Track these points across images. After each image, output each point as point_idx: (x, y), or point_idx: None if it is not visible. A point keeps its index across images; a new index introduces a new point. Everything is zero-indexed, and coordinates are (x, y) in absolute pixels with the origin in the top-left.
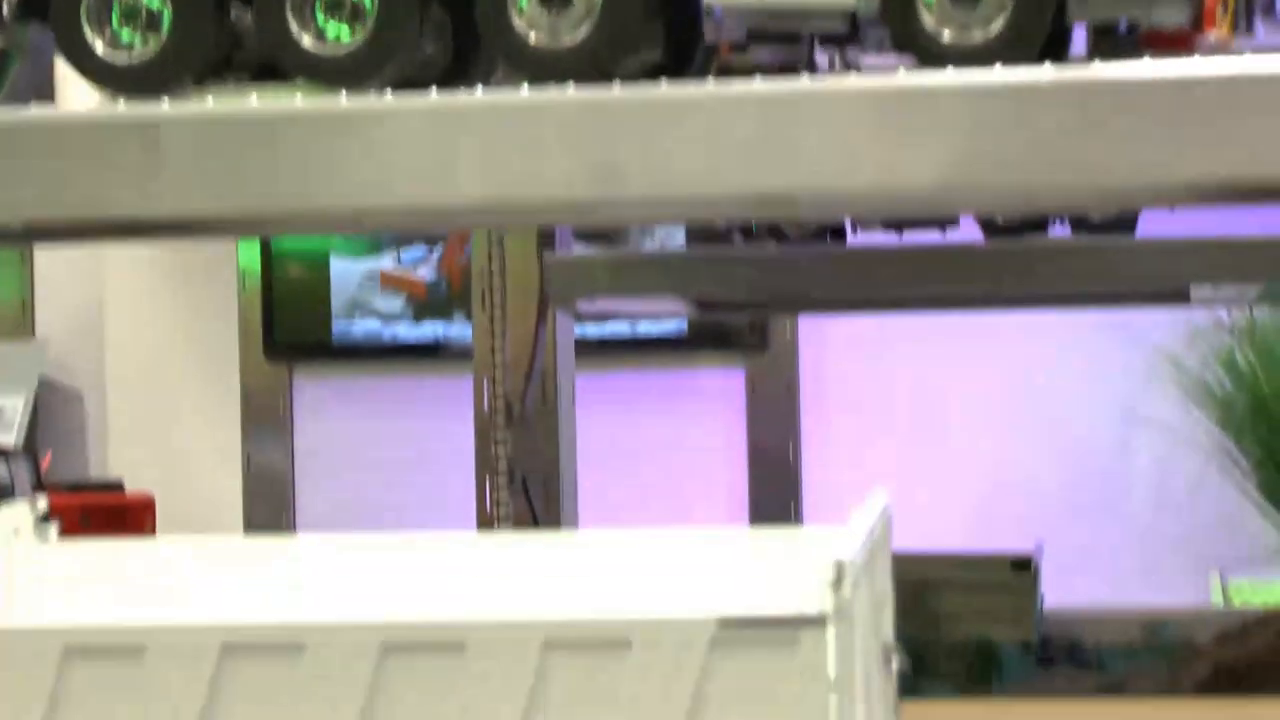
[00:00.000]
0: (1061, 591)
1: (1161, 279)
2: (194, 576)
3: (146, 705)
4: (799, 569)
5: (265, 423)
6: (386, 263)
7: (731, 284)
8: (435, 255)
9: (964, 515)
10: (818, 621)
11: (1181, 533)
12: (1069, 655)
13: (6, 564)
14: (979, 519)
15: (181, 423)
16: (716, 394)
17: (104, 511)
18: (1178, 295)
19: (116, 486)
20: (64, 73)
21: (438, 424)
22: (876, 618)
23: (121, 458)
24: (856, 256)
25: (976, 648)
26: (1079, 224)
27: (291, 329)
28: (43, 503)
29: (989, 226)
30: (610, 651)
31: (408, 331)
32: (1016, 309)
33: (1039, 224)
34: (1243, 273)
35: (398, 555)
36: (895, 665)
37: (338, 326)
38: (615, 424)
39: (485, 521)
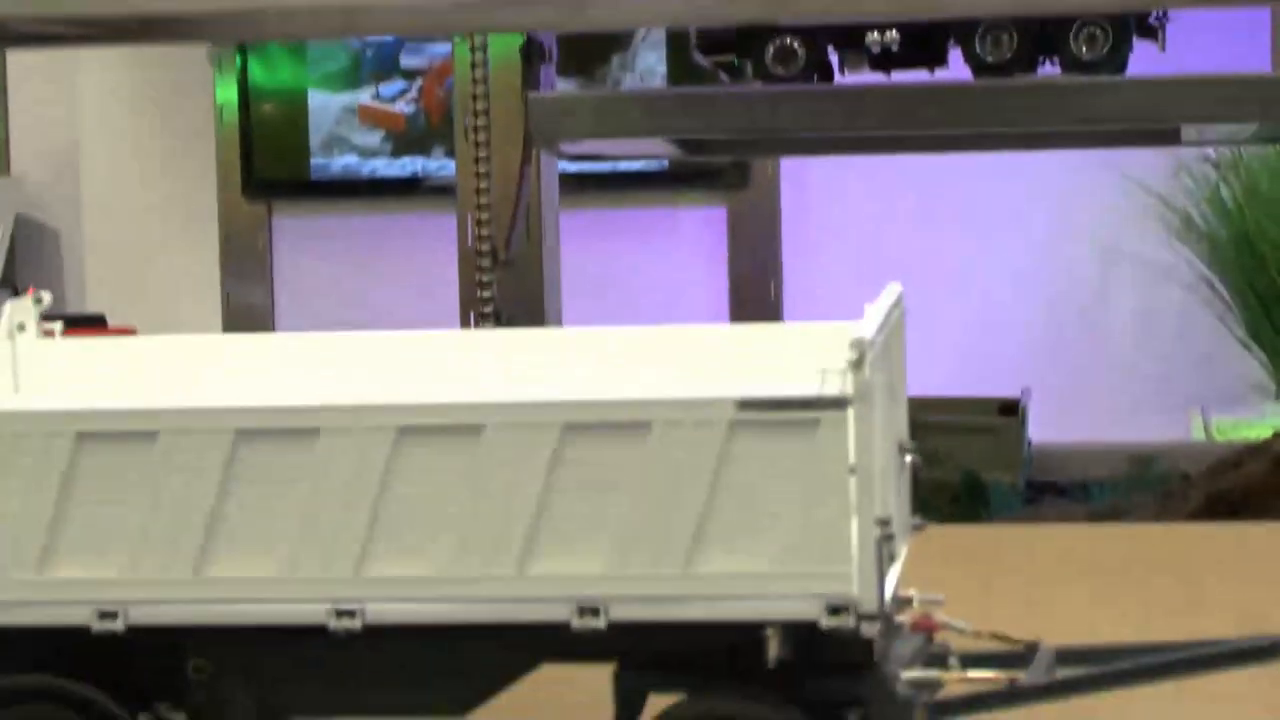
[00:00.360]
0: (1045, 429)
1: (1152, 119)
2: (198, 369)
3: (159, 489)
4: (817, 356)
5: (244, 260)
6: (365, 97)
7: (716, 124)
8: (414, 89)
9: (947, 355)
10: (839, 403)
11: (1163, 371)
12: (1058, 490)
13: (12, 357)
14: (962, 358)
15: (160, 260)
16: (698, 231)
17: None
18: (1169, 136)
19: (99, 320)
20: None
21: (418, 260)
22: (892, 408)
23: (99, 295)
24: (843, 95)
25: (965, 483)
26: (1069, 63)
27: (269, 165)
28: (47, 297)
29: (979, 66)
30: (629, 434)
31: (386, 167)
32: (1005, 150)
33: (1029, 63)
34: (1234, 112)
35: (401, 350)
36: (910, 460)
37: (316, 162)
38: (596, 261)
39: None
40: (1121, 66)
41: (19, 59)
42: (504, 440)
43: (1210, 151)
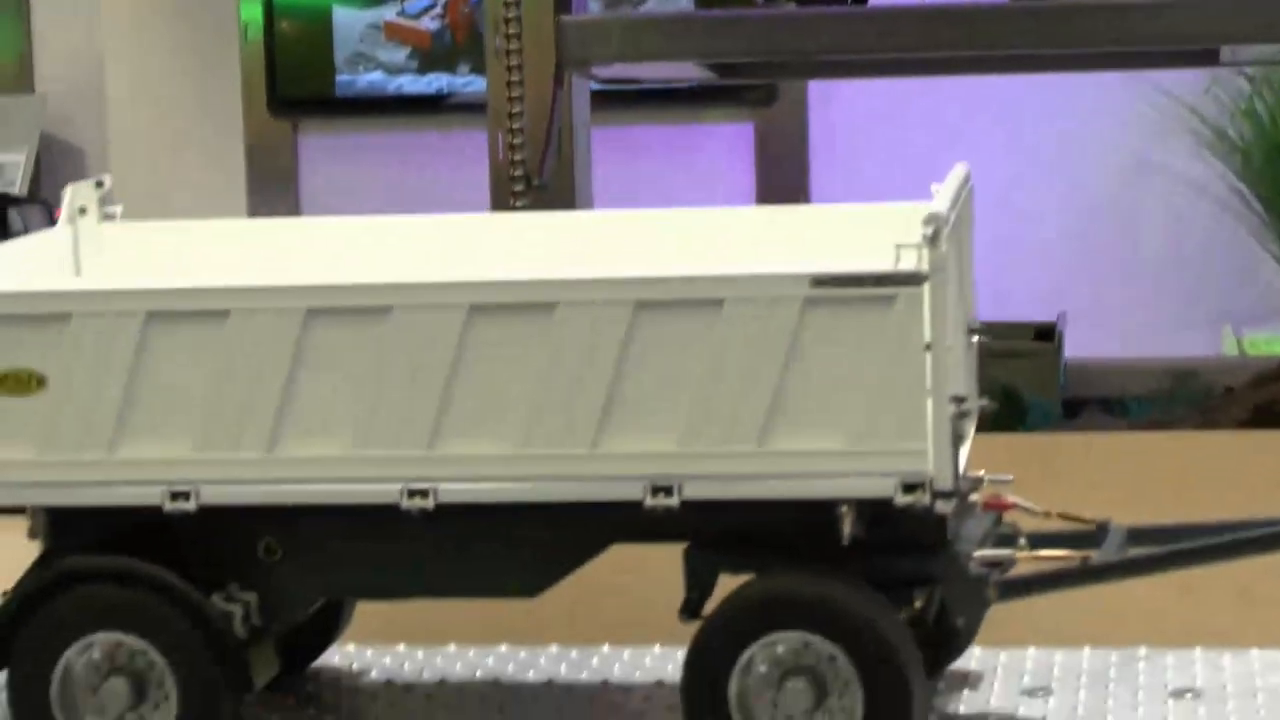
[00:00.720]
0: (1079, 346)
1: (1189, 40)
2: (260, 251)
3: (230, 368)
4: (888, 235)
5: (270, 178)
6: (390, 14)
7: (747, 46)
8: (439, 5)
9: (980, 273)
10: (914, 279)
11: (1195, 286)
12: (1097, 406)
13: (74, 241)
14: (995, 274)
15: (185, 178)
16: (725, 147)
17: None
18: (1205, 57)
19: None
20: None
21: (445, 179)
22: (962, 287)
23: (124, 214)
24: (876, 17)
25: (1003, 396)
26: None
27: (294, 83)
28: (108, 181)
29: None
30: (703, 311)
31: (412, 84)
32: (1038, 72)
33: None
34: (1273, 33)
35: (471, 231)
36: (976, 340)
37: (341, 79)
38: (623, 178)
39: None
40: None
41: None
42: (576, 318)
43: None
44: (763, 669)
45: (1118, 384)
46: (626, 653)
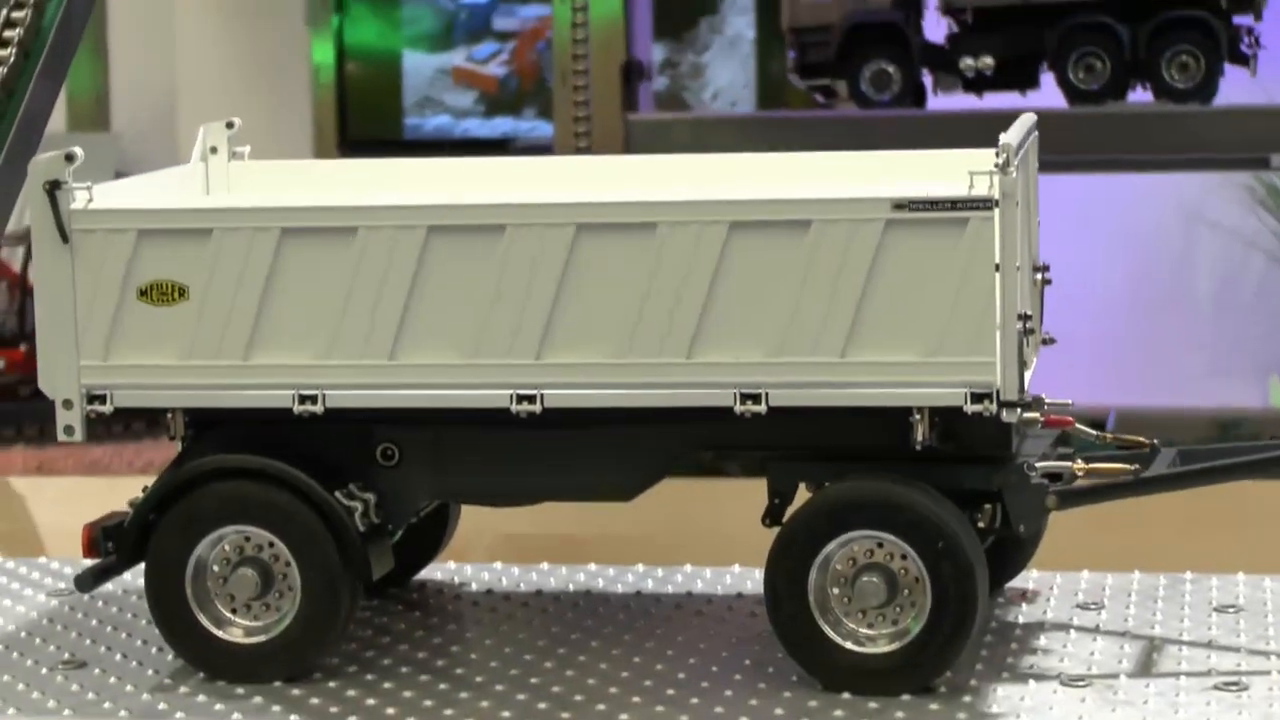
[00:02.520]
0: (1128, 394)
1: (1243, 149)
2: (381, 185)
3: (357, 281)
4: (963, 169)
5: None
6: (458, 58)
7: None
8: (507, 52)
9: None
10: (986, 203)
11: (1243, 337)
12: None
13: (205, 178)
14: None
15: None
16: None
17: None
18: (1258, 162)
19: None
20: None
21: None
22: (1030, 225)
23: None
24: (935, 119)
25: None
26: (1161, 90)
27: (364, 124)
28: (239, 123)
29: (1071, 92)
30: (791, 232)
31: (479, 127)
32: (1095, 173)
33: (1120, 89)
34: None
35: (578, 169)
36: (1042, 279)
37: (410, 122)
38: None
39: None
40: (1212, 93)
41: (119, 18)
42: (675, 237)
43: None
44: (839, 566)
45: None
46: (708, 571)
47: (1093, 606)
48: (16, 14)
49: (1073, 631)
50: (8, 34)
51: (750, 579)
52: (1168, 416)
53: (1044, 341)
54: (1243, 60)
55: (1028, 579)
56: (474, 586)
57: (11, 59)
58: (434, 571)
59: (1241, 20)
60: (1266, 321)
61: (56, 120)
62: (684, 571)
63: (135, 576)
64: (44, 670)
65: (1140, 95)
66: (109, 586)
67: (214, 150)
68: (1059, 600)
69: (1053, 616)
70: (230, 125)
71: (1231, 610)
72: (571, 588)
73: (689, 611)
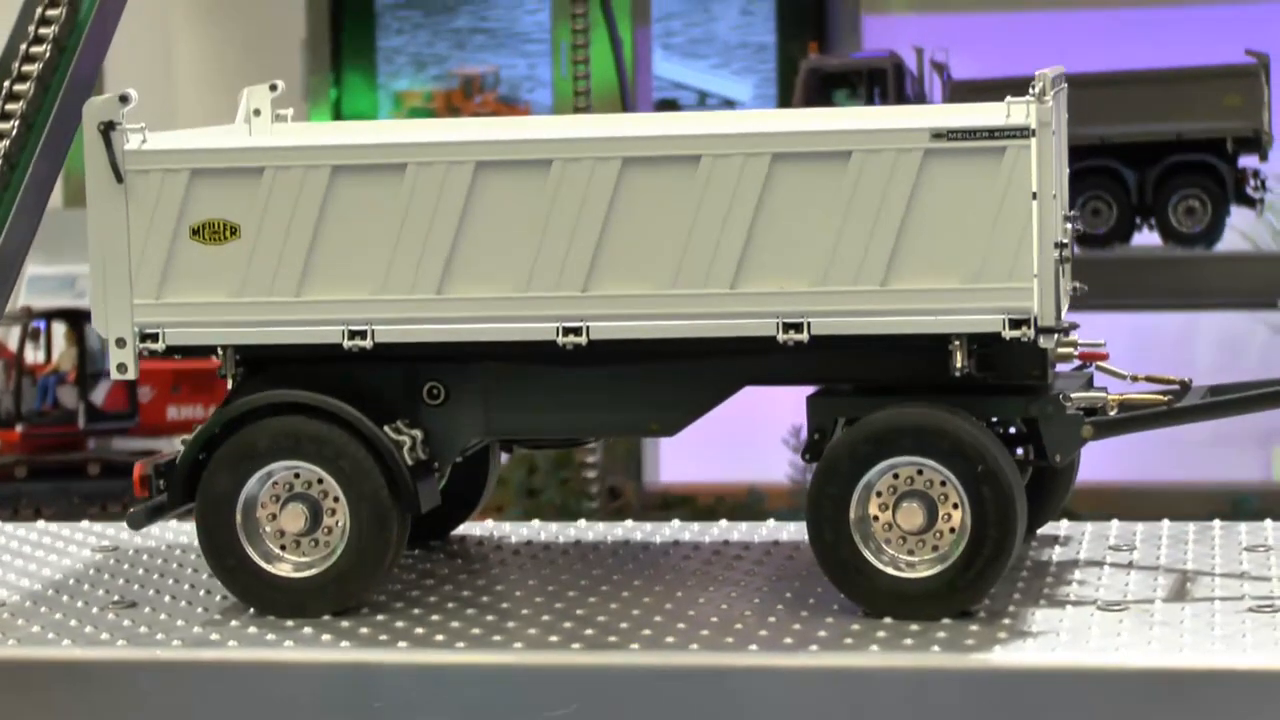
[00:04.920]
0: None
1: (1248, 293)
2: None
3: (406, 216)
4: (999, 111)
5: None
6: None
7: None
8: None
9: None
10: (1023, 131)
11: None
12: None
13: (249, 135)
14: None
15: None
16: None
17: (195, 376)
18: (1264, 304)
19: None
20: None
21: None
22: (1060, 171)
23: None
24: None
25: None
26: (1167, 233)
27: None
28: (281, 85)
29: (1077, 235)
30: (832, 163)
31: None
32: (1099, 313)
33: (1126, 233)
34: None
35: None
36: (1072, 227)
37: None
38: None
39: None
40: (1218, 236)
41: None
42: (719, 169)
43: None
44: (881, 492)
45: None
46: (744, 525)
47: (1125, 548)
48: (20, 86)
49: (1107, 567)
50: (10, 107)
51: (785, 531)
52: (1173, 492)
53: (1073, 291)
54: (1249, 203)
55: (1058, 528)
56: (513, 539)
57: (14, 132)
58: (472, 529)
59: (1248, 161)
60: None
61: (54, 197)
62: (719, 525)
63: (176, 532)
64: (95, 610)
65: (1147, 237)
66: (153, 538)
67: (257, 113)
68: (1091, 543)
69: (1086, 556)
70: (274, 88)
71: (1262, 549)
72: (610, 539)
73: (727, 556)
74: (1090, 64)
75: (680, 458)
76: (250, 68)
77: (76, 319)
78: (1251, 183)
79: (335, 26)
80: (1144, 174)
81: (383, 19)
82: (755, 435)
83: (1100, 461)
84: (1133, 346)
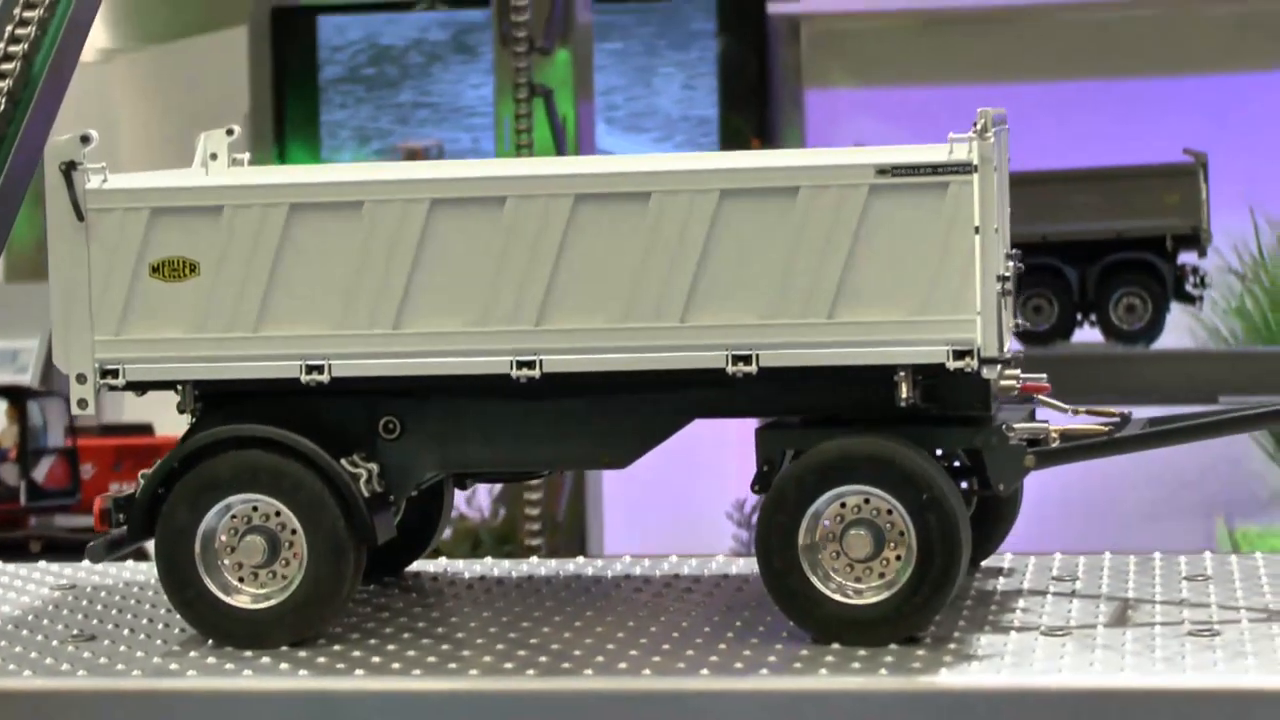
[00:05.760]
0: (1067, 538)
1: (1188, 390)
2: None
3: (363, 253)
4: (941, 149)
5: None
6: None
7: None
8: None
9: None
10: (966, 167)
11: (1188, 479)
12: None
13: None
14: None
15: None
16: None
17: (137, 453)
18: (1205, 399)
19: (146, 429)
20: None
21: None
22: (1003, 207)
23: (140, 402)
24: None
25: None
26: (1109, 331)
27: None
28: (238, 130)
29: (1017, 332)
30: (779, 198)
31: None
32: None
33: (1067, 331)
34: (1266, 385)
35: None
36: (1014, 265)
37: None
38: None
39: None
40: (1159, 333)
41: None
42: (669, 205)
43: (1236, 263)
44: (828, 521)
45: None
46: (694, 560)
47: (1067, 578)
48: (5, 66)
49: (1050, 596)
50: None
51: (735, 565)
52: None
53: (1014, 329)
54: (1189, 299)
55: (1002, 559)
56: (466, 575)
57: (1, 107)
58: (425, 565)
59: (1187, 258)
60: (1209, 458)
61: None
62: (670, 560)
63: (134, 571)
64: (55, 642)
65: (1088, 333)
66: (110, 576)
67: (214, 156)
68: (1035, 574)
69: (1030, 586)
70: (230, 132)
71: (1201, 579)
72: (562, 574)
73: (678, 589)
74: (1033, 133)
75: (624, 534)
76: (194, 141)
77: (18, 395)
78: (1191, 279)
79: (278, 100)
80: (1085, 272)
81: (326, 93)
82: (699, 510)
83: (1042, 533)
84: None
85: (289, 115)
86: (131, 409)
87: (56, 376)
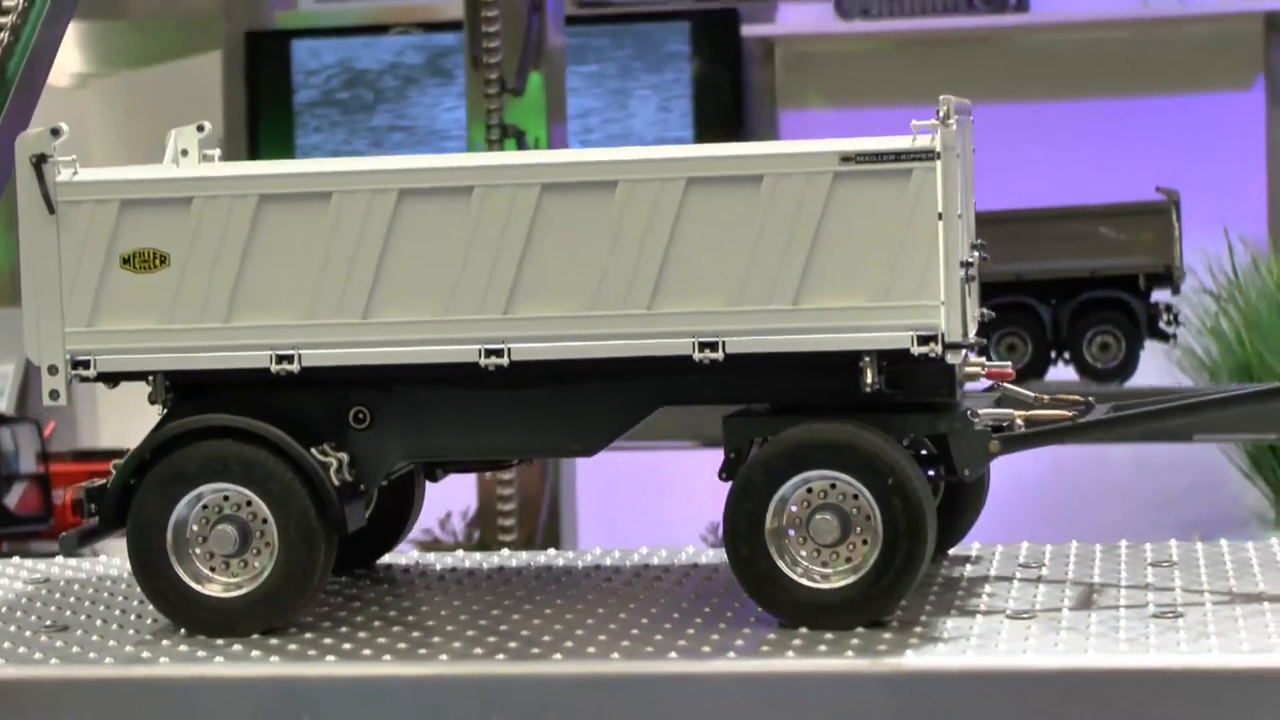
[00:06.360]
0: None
1: (1164, 432)
2: None
3: (332, 243)
4: (905, 137)
5: None
6: None
7: None
8: None
9: None
10: (929, 154)
11: (1164, 498)
12: None
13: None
14: None
15: None
16: None
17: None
18: (1181, 438)
19: (120, 455)
20: None
21: None
22: (967, 195)
23: (112, 426)
24: None
25: None
26: (1082, 369)
27: None
28: (209, 126)
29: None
30: (744, 186)
31: None
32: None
33: (1040, 369)
34: (1242, 426)
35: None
36: (978, 255)
37: None
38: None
39: None
40: (1133, 370)
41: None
42: (635, 193)
43: (1211, 284)
44: (795, 506)
45: None
46: (664, 550)
47: (1034, 565)
48: None
49: (1016, 582)
50: None
51: (704, 556)
52: None
53: (980, 319)
54: (1162, 337)
55: (969, 549)
56: (438, 567)
57: None
58: (396, 558)
59: (1160, 296)
60: (1187, 479)
61: None
62: (640, 552)
63: (107, 565)
64: (28, 633)
65: (1061, 371)
66: (84, 570)
67: (185, 153)
68: (1002, 561)
69: (997, 572)
70: (201, 128)
71: (1166, 564)
72: (534, 565)
73: (648, 578)
74: (1006, 155)
75: None
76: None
77: None
78: (1164, 317)
79: (253, 124)
80: (1059, 310)
81: (301, 117)
82: (672, 531)
83: None
84: (1053, 484)
85: (264, 139)
86: (108, 434)
87: (31, 402)
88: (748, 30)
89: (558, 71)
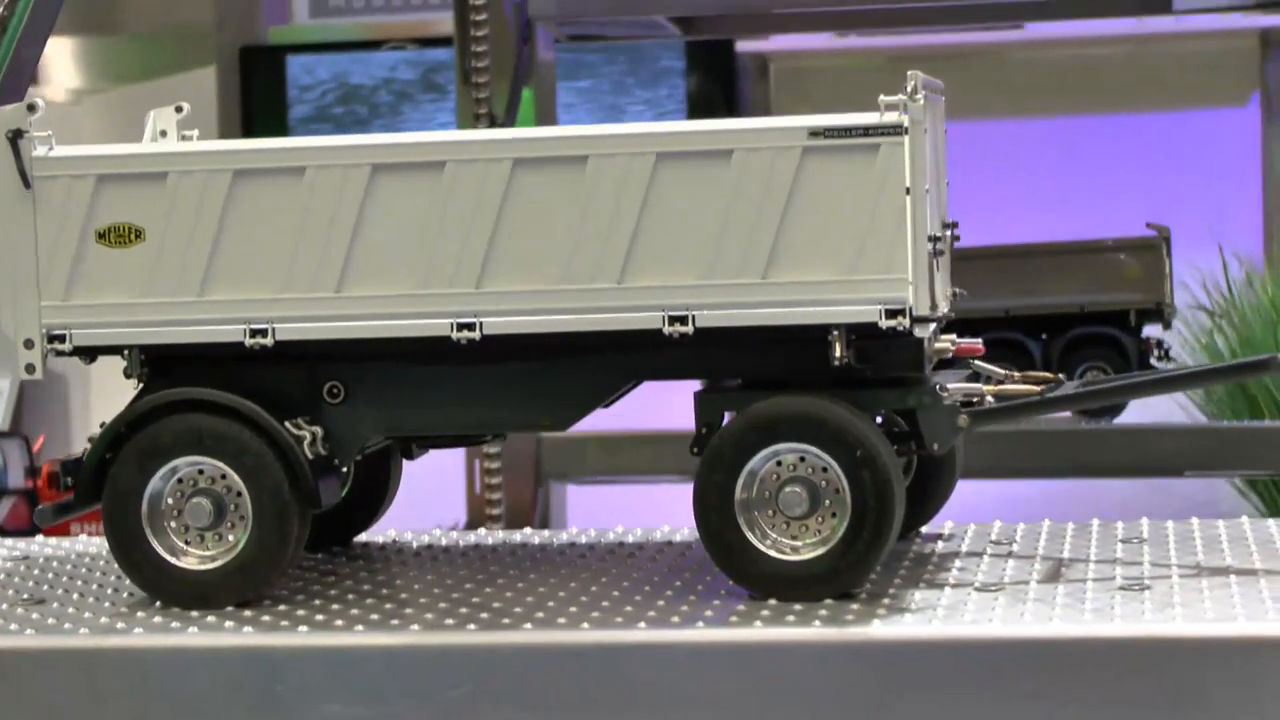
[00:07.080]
0: None
1: (1153, 465)
2: None
3: (305, 218)
4: (873, 114)
5: None
6: None
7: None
8: None
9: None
10: (896, 129)
11: (1161, 512)
12: None
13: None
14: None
15: None
16: None
17: None
18: (1172, 472)
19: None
20: None
21: None
22: (937, 170)
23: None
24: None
25: None
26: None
27: None
28: (187, 108)
29: None
30: (714, 161)
31: None
32: (1013, 480)
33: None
34: (1231, 460)
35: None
36: (951, 234)
37: None
38: None
39: None
40: (1123, 406)
41: None
42: (605, 168)
43: (1205, 299)
44: (764, 479)
45: None
46: (639, 529)
47: (1005, 542)
48: None
49: (986, 557)
50: None
51: (679, 534)
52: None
53: (953, 296)
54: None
55: (941, 527)
56: (414, 545)
57: None
58: (373, 535)
59: (1151, 331)
60: (1183, 498)
61: None
62: (615, 530)
63: (86, 544)
64: (4, 606)
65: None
66: (63, 548)
67: (163, 133)
68: (974, 539)
69: (968, 549)
70: (179, 109)
71: (1136, 540)
72: (513, 542)
73: (621, 555)
74: (997, 170)
75: None
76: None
77: None
78: (1155, 353)
79: (248, 138)
80: (1049, 346)
81: (295, 132)
82: None
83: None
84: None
85: None
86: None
87: (22, 418)
88: (742, 46)
89: (548, 86)
